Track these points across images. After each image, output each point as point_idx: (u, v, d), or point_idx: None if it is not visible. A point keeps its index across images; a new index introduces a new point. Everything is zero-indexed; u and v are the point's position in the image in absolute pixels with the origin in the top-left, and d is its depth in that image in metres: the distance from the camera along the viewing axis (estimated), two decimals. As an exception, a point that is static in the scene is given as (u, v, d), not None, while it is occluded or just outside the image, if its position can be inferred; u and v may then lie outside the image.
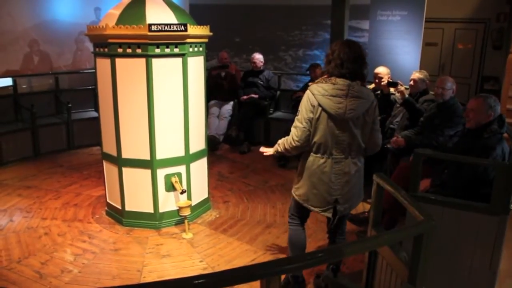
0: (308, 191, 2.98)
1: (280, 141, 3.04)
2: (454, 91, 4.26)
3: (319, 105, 2.79)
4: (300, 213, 3.18)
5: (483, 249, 2.80)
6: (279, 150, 3.06)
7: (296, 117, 2.90)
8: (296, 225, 3.23)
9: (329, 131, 2.82)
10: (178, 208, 4.12)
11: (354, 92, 2.79)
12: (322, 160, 2.89)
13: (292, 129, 2.91)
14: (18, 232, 4.13)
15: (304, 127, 2.85)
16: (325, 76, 2.88)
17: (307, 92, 2.87)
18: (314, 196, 2.96)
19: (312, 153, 2.92)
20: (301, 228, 3.23)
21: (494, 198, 2.77)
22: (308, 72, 6.77)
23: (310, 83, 2.96)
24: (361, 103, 2.81)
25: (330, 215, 2.99)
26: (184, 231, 4.13)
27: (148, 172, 4.11)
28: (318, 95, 2.80)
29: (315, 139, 2.86)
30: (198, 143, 4.40)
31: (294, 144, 2.90)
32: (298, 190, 3.05)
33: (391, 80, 4.93)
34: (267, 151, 3.21)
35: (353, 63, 2.80)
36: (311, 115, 2.82)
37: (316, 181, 2.93)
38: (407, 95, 4.57)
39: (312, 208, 3.01)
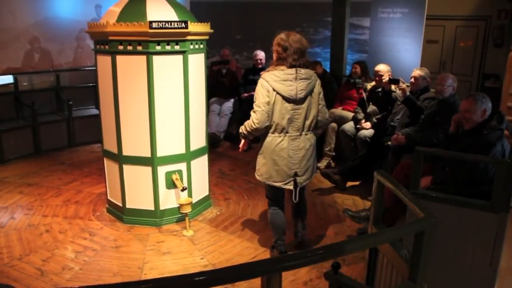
0: (270, 169, 3.35)
1: (242, 126, 3.38)
2: (455, 88, 4.26)
3: (273, 89, 3.17)
4: (274, 194, 3.52)
5: (483, 246, 2.80)
6: (244, 133, 3.40)
7: (254, 103, 3.24)
8: (273, 207, 3.57)
9: (284, 112, 3.21)
10: (178, 205, 4.13)
11: (301, 74, 3.21)
12: (279, 139, 3.27)
13: (252, 113, 3.25)
14: (19, 229, 4.14)
15: (262, 110, 3.20)
16: (272, 66, 3.28)
17: (260, 80, 3.24)
18: (276, 172, 3.34)
19: (270, 134, 3.29)
20: (279, 210, 3.58)
21: (494, 195, 2.77)
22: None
23: (262, 73, 3.34)
24: (308, 84, 3.25)
25: (291, 187, 3.37)
26: (185, 228, 4.14)
27: (149, 169, 4.11)
28: (271, 81, 3.18)
29: (272, 120, 3.24)
30: (198, 140, 4.40)
31: (255, 126, 3.24)
32: (260, 171, 3.43)
33: (392, 78, 4.93)
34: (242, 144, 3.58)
35: (302, 54, 3.23)
36: (267, 99, 3.19)
37: (276, 158, 3.30)
38: (408, 93, 4.56)
39: (274, 184, 3.38)
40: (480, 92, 3.36)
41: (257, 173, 3.48)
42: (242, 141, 3.57)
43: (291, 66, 3.20)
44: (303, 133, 3.31)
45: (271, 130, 3.27)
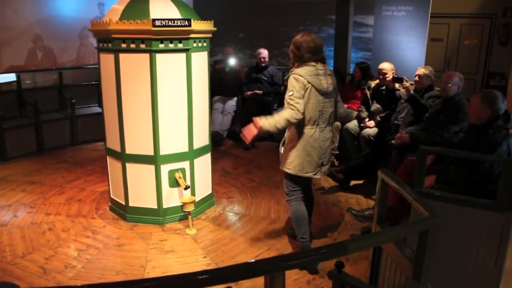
0: (303, 160, 3.43)
1: (278, 119, 3.28)
2: (460, 87, 4.22)
3: (308, 82, 3.29)
4: (297, 184, 3.58)
5: (488, 246, 2.78)
6: (276, 127, 3.30)
7: (290, 96, 3.30)
8: (296, 199, 3.60)
9: (317, 104, 3.35)
10: (181, 203, 4.12)
11: (327, 70, 3.44)
12: (312, 130, 3.39)
13: (295, 104, 3.27)
14: (22, 228, 4.15)
15: (303, 101, 3.30)
16: (295, 66, 3.40)
17: (294, 75, 3.32)
18: (308, 163, 3.44)
19: (305, 126, 3.38)
20: (300, 201, 3.62)
21: (500, 194, 2.74)
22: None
23: (291, 70, 3.41)
24: (333, 79, 3.47)
25: (319, 176, 3.52)
26: (188, 227, 4.13)
27: (152, 167, 4.11)
28: (305, 75, 3.30)
29: (307, 113, 3.33)
30: (202, 138, 4.39)
31: (300, 116, 3.28)
32: (292, 163, 3.47)
33: (396, 76, 4.90)
34: (251, 133, 3.33)
35: (319, 51, 3.39)
36: (303, 92, 3.29)
37: (310, 149, 3.41)
38: (412, 91, 4.54)
39: (306, 174, 3.48)
40: (494, 92, 3.31)
41: (287, 166, 3.50)
42: (252, 134, 3.32)
43: (316, 61, 3.36)
44: (328, 124, 3.47)
45: (306, 123, 3.37)
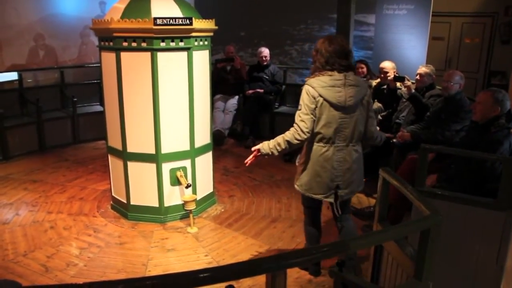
0: (312, 180, 3.08)
1: (279, 141, 2.97)
2: (462, 86, 4.22)
3: (320, 95, 2.90)
4: (310, 204, 3.28)
5: (489, 244, 2.78)
6: (277, 149, 2.99)
7: (299, 111, 2.97)
8: (309, 220, 3.36)
9: (332, 120, 2.93)
10: (183, 202, 4.13)
11: (350, 81, 2.94)
12: (324, 149, 2.99)
13: (299, 122, 2.95)
14: (24, 226, 4.15)
15: (311, 118, 2.93)
16: (317, 72, 2.99)
17: (306, 86, 2.96)
18: (317, 184, 3.07)
19: (315, 143, 3.02)
20: (312, 226, 3.36)
21: (501, 193, 2.74)
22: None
23: (306, 78, 3.05)
24: (358, 91, 2.95)
25: (332, 200, 3.11)
26: (189, 225, 4.14)
27: (153, 166, 4.11)
28: (317, 87, 2.91)
29: (318, 129, 2.96)
30: (203, 137, 4.39)
31: (305, 136, 2.95)
32: (300, 181, 3.15)
33: (397, 75, 4.90)
34: (250, 158, 3.10)
35: (338, 57, 2.94)
36: (313, 106, 2.92)
37: (319, 169, 3.03)
38: (413, 90, 4.54)
39: (314, 196, 3.12)
40: (503, 90, 3.31)
41: (296, 183, 3.20)
42: (251, 159, 3.10)
43: (332, 70, 2.94)
44: (351, 144, 3.01)
45: (316, 139, 3.00)
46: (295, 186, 3.22)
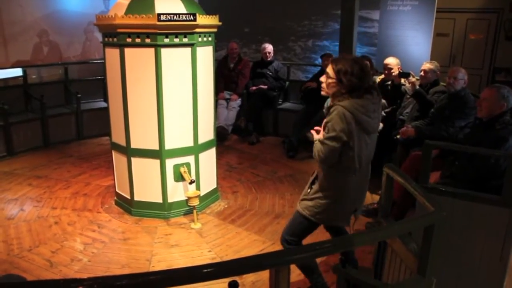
0: (332, 212, 2.74)
1: (318, 147, 2.63)
2: (466, 82, 4.21)
3: (356, 123, 2.51)
4: (305, 235, 2.93)
5: (493, 241, 2.78)
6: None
7: (328, 134, 2.54)
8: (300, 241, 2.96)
9: (364, 146, 2.61)
10: (186, 198, 4.13)
11: (378, 98, 2.65)
12: (352, 178, 2.66)
13: (323, 145, 2.57)
14: (29, 221, 4.18)
15: (335, 149, 2.54)
16: (346, 93, 2.56)
17: (340, 109, 2.51)
18: (338, 215, 2.77)
19: (343, 173, 2.65)
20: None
21: (505, 190, 2.73)
22: (321, 61, 6.71)
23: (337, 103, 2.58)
24: (380, 114, 2.78)
25: (350, 223, 2.87)
26: (193, 221, 4.14)
27: (157, 162, 4.12)
28: (357, 113, 2.51)
29: (345, 159, 2.59)
30: (206, 133, 4.39)
31: (319, 160, 2.63)
32: (319, 214, 2.74)
33: (402, 71, 4.88)
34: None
35: (366, 79, 2.58)
36: (343, 136, 2.51)
37: (346, 199, 2.73)
38: (417, 86, 4.52)
39: (337, 224, 2.94)
40: (507, 86, 3.29)
41: (309, 213, 2.76)
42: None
43: (369, 92, 2.57)
44: (368, 164, 2.76)
45: (345, 169, 2.62)
46: (305, 213, 2.78)
